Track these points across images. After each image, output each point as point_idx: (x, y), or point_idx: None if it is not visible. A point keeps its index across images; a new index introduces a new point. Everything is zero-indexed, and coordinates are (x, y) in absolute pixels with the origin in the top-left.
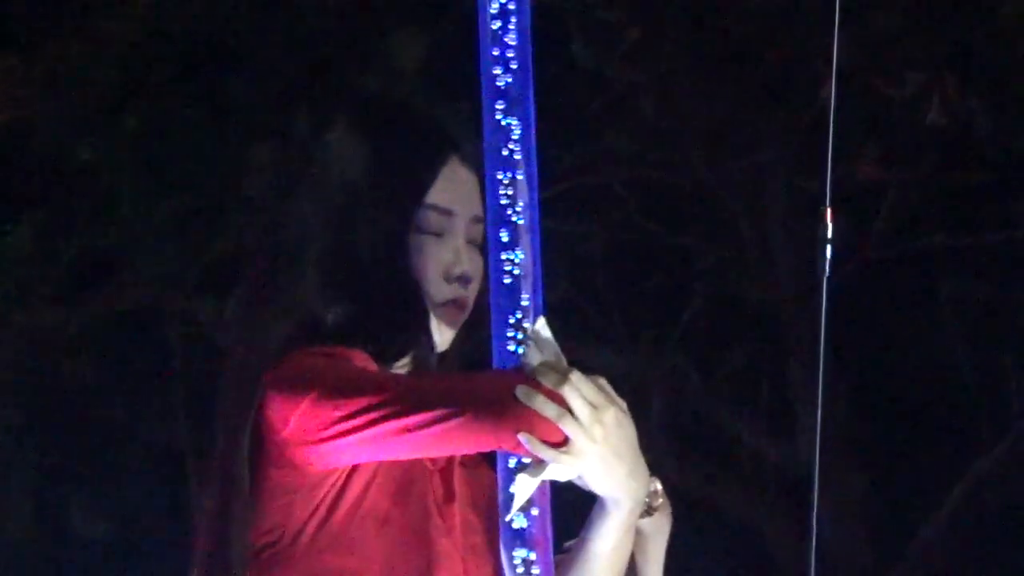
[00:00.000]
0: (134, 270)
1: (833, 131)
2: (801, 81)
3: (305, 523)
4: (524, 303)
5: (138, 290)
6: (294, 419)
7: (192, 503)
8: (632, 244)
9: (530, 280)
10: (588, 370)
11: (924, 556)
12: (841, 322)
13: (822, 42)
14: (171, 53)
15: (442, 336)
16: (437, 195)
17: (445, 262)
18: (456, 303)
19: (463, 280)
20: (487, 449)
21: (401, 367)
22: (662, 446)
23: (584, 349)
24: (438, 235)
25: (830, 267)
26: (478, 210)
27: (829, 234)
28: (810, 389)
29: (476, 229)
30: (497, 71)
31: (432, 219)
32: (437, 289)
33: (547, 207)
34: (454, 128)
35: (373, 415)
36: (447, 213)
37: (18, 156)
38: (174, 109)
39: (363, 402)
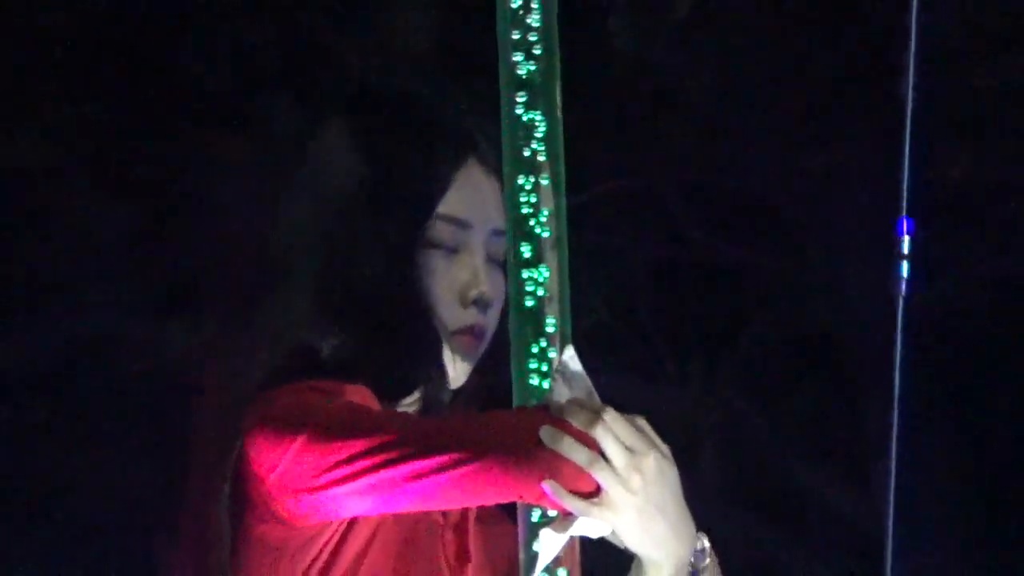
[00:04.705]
0: (83, 292)
1: (912, 124)
2: (879, 66)
3: None
4: (549, 330)
5: (88, 316)
6: (281, 465)
7: (159, 564)
8: (680, 259)
9: (556, 303)
10: (625, 408)
11: None
12: (927, 352)
13: (904, 20)
14: (123, 30)
15: (456, 369)
16: (452, 204)
17: (460, 283)
18: (473, 331)
19: (481, 304)
20: (506, 500)
21: (408, 405)
22: (714, 498)
23: (622, 383)
24: (453, 251)
25: (911, 287)
26: (499, 222)
27: (906, 248)
28: (889, 433)
29: (497, 244)
30: (518, 57)
31: (446, 232)
32: (451, 314)
33: (578, 216)
34: (472, 124)
35: (373, 460)
36: (463, 225)
37: None
38: (128, 97)
39: (361, 445)
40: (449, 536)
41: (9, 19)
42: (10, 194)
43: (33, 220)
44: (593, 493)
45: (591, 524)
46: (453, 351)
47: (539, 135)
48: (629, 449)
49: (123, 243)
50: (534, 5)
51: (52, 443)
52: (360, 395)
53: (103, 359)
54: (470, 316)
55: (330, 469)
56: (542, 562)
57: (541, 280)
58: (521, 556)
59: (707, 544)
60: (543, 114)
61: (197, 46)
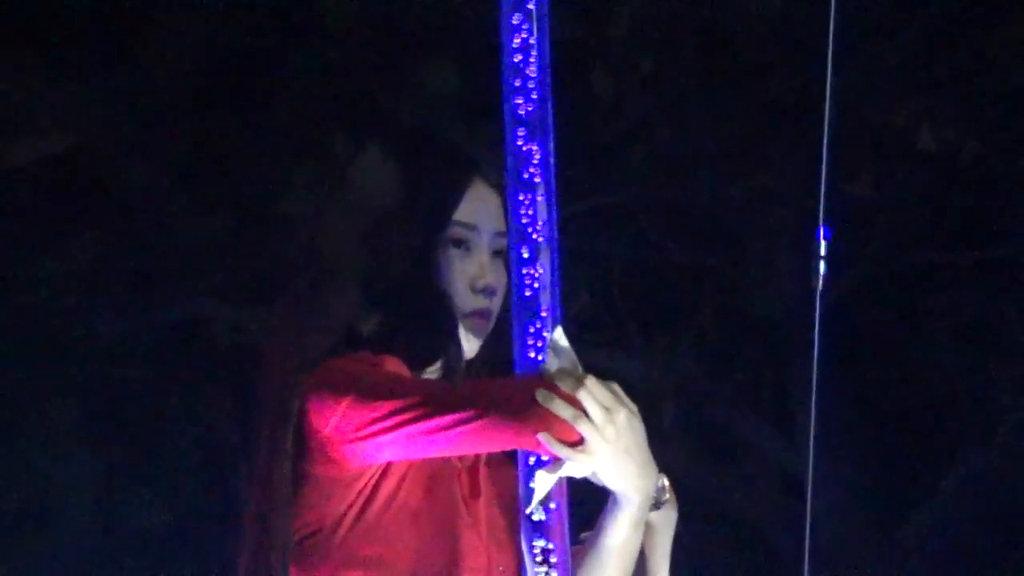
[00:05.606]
0: (183, 283)
1: (828, 155)
2: (805, 108)
3: (343, 515)
4: (543, 314)
5: (187, 302)
6: (334, 419)
7: (236, 498)
8: (646, 260)
9: (549, 293)
10: (603, 375)
11: (915, 541)
12: (840, 332)
13: (824, 72)
14: (220, 81)
15: (469, 344)
16: (463, 212)
17: (471, 275)
18: (481, 314)
19: (488, 292)
20: (509, 448)
21: (431, 373)
22: (673, 446)
23: (602, 356)
24: (465, 249)
25: (828, 282)
26: (501, 225)
27: (823, 250)
28: (809, 392)
29: (499, 242)
30: (519, 100)
31: (459, 234)
32: (464, 300)
33: (567, 225)
34: (477, 151)
35: (405, 416)
36: (472, 228)
37: (81, 177)
38: (223, 133)
39: (396, 405)
40: (464, 476)
41: (134, 74)
42: (128, 205)
43: (146, 226)
44: (577, 442)
45: (576, 467)
46: (466, 330)
47: (535, 162)
48: (605, 407)
49: (215, 244)
50: (532, 60)
51: (157, 400)
52: (394, 365)
53: (198, 336)
54: (479, 301)
55: (372, 423)
56: (537, 496)
57: (537, 275)
58: (521, 492)
59: (666, 482)
60: (538, 145)
61: (275, 92)
